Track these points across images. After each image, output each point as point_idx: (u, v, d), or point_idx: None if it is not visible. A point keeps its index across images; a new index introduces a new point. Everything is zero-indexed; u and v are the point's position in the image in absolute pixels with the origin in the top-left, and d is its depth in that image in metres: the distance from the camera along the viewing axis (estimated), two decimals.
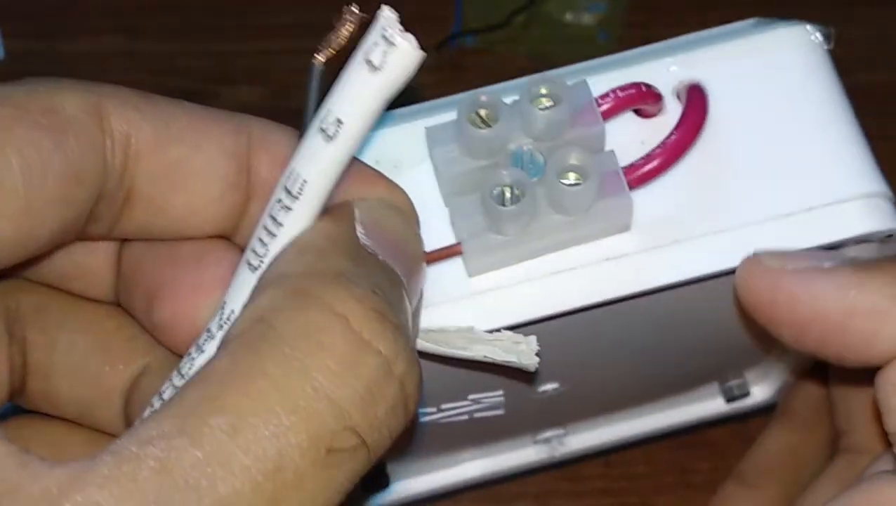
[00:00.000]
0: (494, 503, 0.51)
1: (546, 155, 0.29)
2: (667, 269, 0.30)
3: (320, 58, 0.26)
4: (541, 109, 0.29)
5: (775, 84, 0.31)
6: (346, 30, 0.26)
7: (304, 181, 0.26)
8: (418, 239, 0.29)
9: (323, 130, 0.26)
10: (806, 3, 0.66)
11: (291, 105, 0.61)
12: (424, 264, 0.29)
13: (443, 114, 0.31)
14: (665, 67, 0.31)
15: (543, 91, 0.30)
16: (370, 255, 0.27)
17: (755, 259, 0.30)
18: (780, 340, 0.31)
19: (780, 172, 0.31)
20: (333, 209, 0.28)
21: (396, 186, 0.29)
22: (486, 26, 0.63)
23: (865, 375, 0.30)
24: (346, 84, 0.26)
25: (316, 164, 0.26)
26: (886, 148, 0.60)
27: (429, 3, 0.64)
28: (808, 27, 0.32)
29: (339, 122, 0.25)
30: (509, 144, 0.29)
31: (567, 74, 0.32)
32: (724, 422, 0.48)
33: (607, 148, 0.30)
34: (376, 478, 0.44)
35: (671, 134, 0.30)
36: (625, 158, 0.30)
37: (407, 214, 0.29)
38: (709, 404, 0.45)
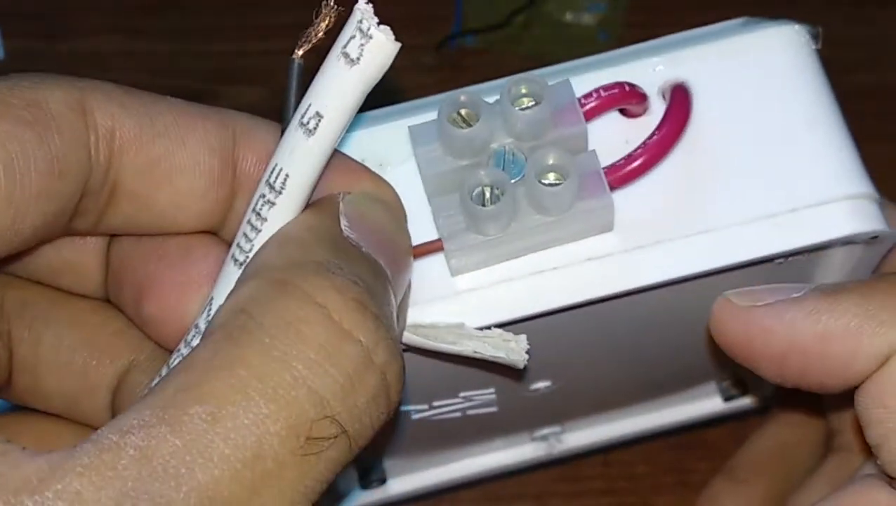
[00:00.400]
0: (493, 503, 0.51)
1: (527, 155, 0.29)
2: (649, 269, 0.30)
3: (299, 52, 0.27)
4: (521, 109, 0.29)
5: (761, 84, 0.31)
6: (323, 24, 0.26)
7: (287, 176, 0.26)
8: (405, 233, 0.29)
9: (303, 125, 0.26)
10: (806, 3, 0.66)
11: None
12: (411, 258, 0.29)
13: (427, 113, 0.31)
14: (651, 67, 0.31)
15: (524, 91, 0.30)
16: (353, 247, 0.27)
17: (725, 301, 0.30)
18: (763, 377, 0.31)
19: (764, 172, 0.31)
20: (318, 203, 0.28)
21: (382, 180, 0.29)
22: (486, 26, 0.63)
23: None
24: (325, 78, 0.26)
25: (297, 158, 0.26)
26: (887, 148, 0.60)
27: (429, 3, 0.64)
28: (797, 27, 0.32)
29: (319, 115, 0.26)
30: (491, 144, 0.29)
31: (552, 74, 0.31)
32: (722, 421, 0.48)
33: (591, 148, 0.30)
34: (373, 475, 0.44)
35: (653, 134, 0.30)
36: (609, 158, 0.30)
37: (393, 207, 0.29)
38: (707, 403, 0.45)
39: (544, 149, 0.29)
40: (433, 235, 0.30)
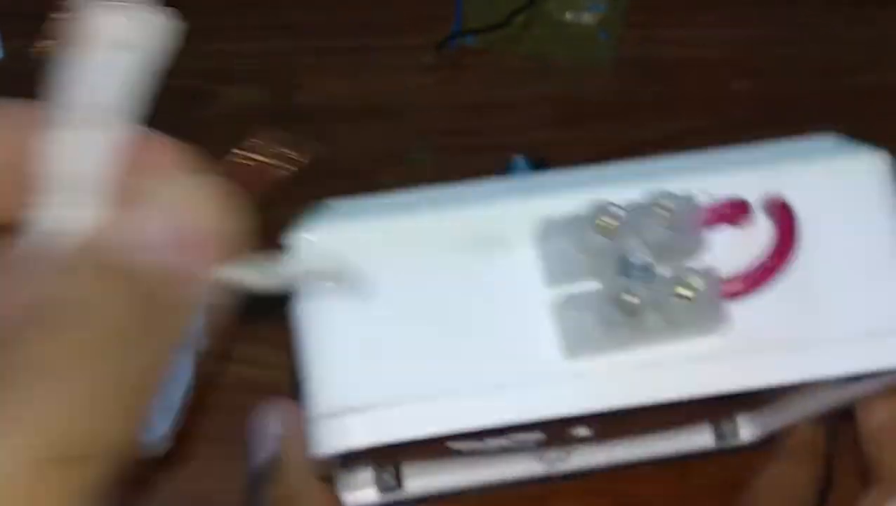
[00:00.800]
0: (497, 502, 0.51)
1: (655, 262, 0.30)
2: (751, 374, 0.31)
3: (52, 48, 0.27)
4: (656, 223, 0.30)
5: (854, 206, 0.33)
6: (76, 18, 0.26)
7: (77, 172, 0.26)
8: (220, 220, 0.27)
9: (82, 118, 0.26)
10: (807, 4, 0.66)
11: (292, 104, 0.61)
12: (236, 253, 0.28)
13: (546, 196, 0.32)
14: (750, 179, 0.32)
15: (661, 205, 0.31)
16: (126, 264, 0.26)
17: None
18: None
19: (861, 291, 0.32)
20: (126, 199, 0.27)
21: (199, 166, 0.28)
22: (486, 26, 0.63)
23: None
24: (95, 68, 0.26)
25: (84, 153, 0.26)
26: (887, 149, 0.60)
27: (429, 3, 0.64)
28: (886, 156, 0.33)
29: (97, 105, 0.26)
30: (623, 250, 0.30)
31: (656, 173, 0.32)
32: (713, 456, 0.49)
33: (703, 255, 0.31)
34: (390, 480, 0.44)
35: (768, 256, 0.31)
36: (717, 266, 0.32)
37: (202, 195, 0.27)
38: (700, 439, 0.47)
39: (671, 259, 0.30)
40: (545, 323, 0.31)
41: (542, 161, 0.37)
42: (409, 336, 0.30)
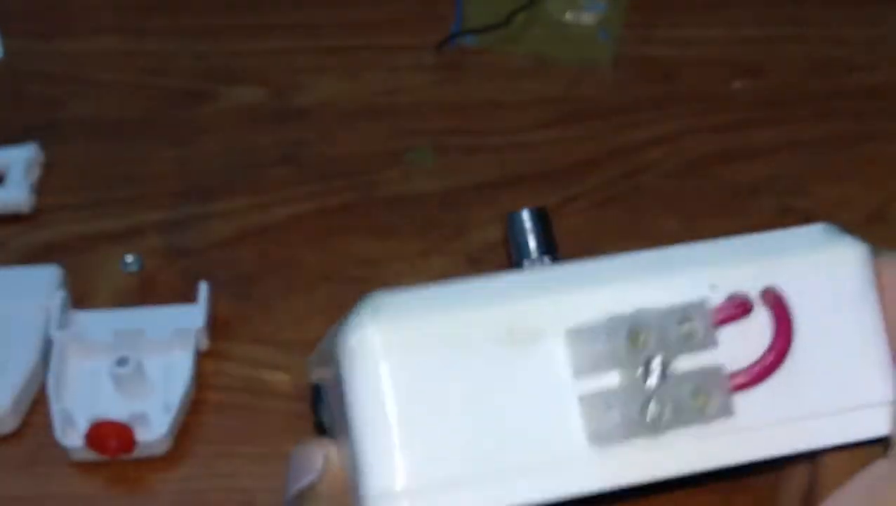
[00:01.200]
0: None
1: (672, 360, 0.33)
2: (750, 449, 0.34)
3: None
4: (677, 329, 0.33)
5: (840, 293, 0.35)
6: None
7: None
8: None
9: None
10: (807, 3, 0.66)
11: (292, 104, 0.61)
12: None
13: (580, 291, 0.34)
14: (745, 273, 0.35)
15: (684, 316, 0.33)
16: None
17: None
18: None
19: (845, 370, 0.35)
20: None
21: None
22: (486, 26, 0.63)
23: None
24: None
25: None
26: (887, 148, 0.60)
27: (429, 3, 0.64)
28: (866, 246, 0.36)
29: None
30: (649, 354, 0.33)
31: (670, 264, 0.34)
32: None
33: (713, 350, 0.34)
34: None
35: (768, 354, 0.34)
36: (721, 359, 0.34)
37: None
38: None
39: (687, 354, 0.33)
40: (573, 411, 0.33)
41: (543, 213, 0.40)
42: (450, 424, 0.32)
